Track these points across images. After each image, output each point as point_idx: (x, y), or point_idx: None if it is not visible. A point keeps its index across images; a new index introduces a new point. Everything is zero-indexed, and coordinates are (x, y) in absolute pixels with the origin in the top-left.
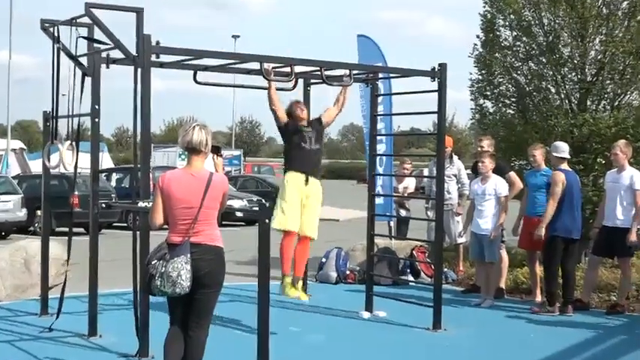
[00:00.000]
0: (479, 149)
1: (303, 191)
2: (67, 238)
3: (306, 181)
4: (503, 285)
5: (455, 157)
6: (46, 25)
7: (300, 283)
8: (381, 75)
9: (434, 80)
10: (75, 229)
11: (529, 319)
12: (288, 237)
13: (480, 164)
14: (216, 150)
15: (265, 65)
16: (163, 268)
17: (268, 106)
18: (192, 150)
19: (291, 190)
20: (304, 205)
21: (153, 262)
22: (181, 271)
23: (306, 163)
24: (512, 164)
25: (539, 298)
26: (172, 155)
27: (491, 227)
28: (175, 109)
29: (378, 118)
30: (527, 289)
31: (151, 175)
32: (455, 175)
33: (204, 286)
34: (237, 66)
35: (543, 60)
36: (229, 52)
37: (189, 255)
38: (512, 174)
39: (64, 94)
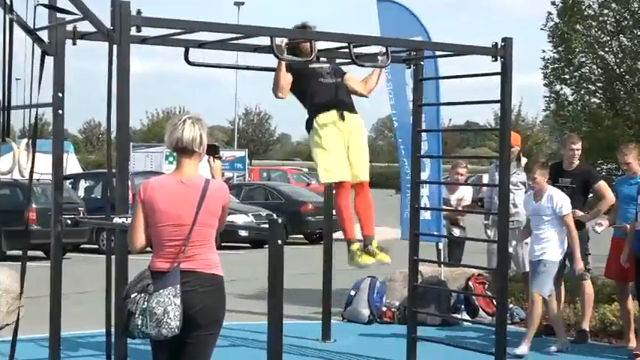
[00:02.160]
0: (570, 152)
1: (342, 129)
2: (20, 264)
3: (342, 116)
4: (587, 326)
5: (524, 160)
6: None
7: (375, 242)
8: (426, 53)
9: (495, 60)
10: (31, 253)
11: None
12: (343, 191)
13: (531, 181)
14: (213, 150)
15: (277, 41)
16: (145, 304)
17: (272, 93)
18: (182, 150)
19: (327, 134)
20: (349, 147)
21: (132, 296)
22: (168, 307)
23: (333, 100)
24: (599, 169)
25: (633, 343)
26: (157, 157)
27: (551, 257)
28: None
29: (423, 109)
30: (619, 331)
31: (130, 183)
32: (523, 184)
33: (199, 326)
34: (240, 42)
35: (639, 33)
36: (231, 24)
37: (178, 286)
38: (603, 184)
39: (18, 79)
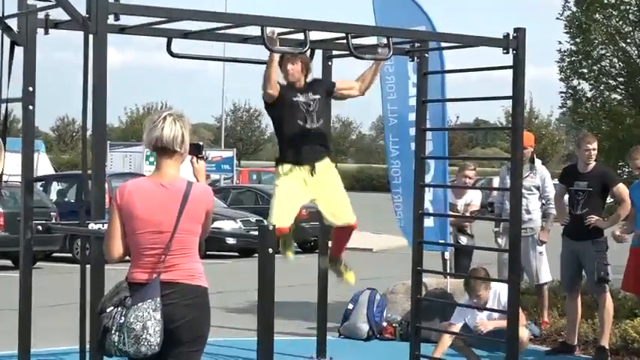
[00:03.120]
0: (586, 152)
1: (309, 184)
2: None
3: (312, 171)
4: (606, 343)
5: (537, 162)
6: None
7: (342, 262)
8: (431, 45)
9: (507, 52)
10: None
11: None
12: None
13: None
14: (196, 150)
15: (268, 31)
16: (123, 318)
17: (262, 88)
18: (162, 150)
19: (286, 186)
20: (324, 198)
21: (108, 310)
22: (148, 322)
23: (307, 151)
24: (620, 171)
25: None
26: (137, 157)
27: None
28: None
29: (427, 105)
30: None
31: (107, 186)
32: (537, 188)
33: (181, 342)
34: (228, 31)
35: None
36: (218, 13)
37: (158, 299)
38: (622, 187)
39: None
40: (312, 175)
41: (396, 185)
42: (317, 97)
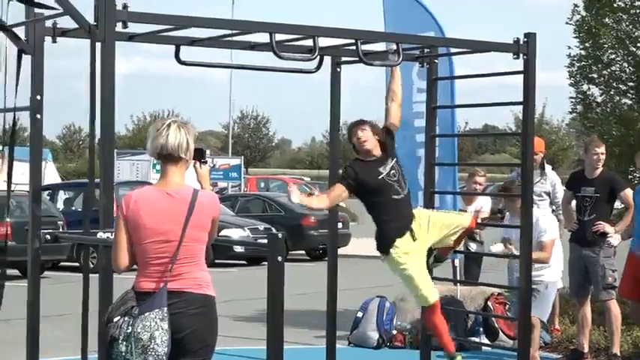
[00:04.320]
0: (594, 157)
1: (416, 244)
2: None
3: (413, 237)
4: (617, 350)
5: (548, 168)
6: None
7: (459, 356)
8: (441, 51)
9: (517, 57)
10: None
11: None
12: (437, 309)
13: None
14: (199, 155)
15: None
16: (130, 328)
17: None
18: (167, 157)
19: (411, 260)
20: (429, 239)
21: (115, 320)
22: (155, 332)
23: (405, 218)
24: (631, 177)
25: None
26: (144, 165)
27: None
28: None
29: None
30: None
31: (114, 194)
32: (548, 194)
33: (188, 352)
34: (236, 39)
35: None
36: (226, 20)
37: (165, 309)
38: (628, 192)
39: None
40: (414, 239)
41: None
42: (394, 160)
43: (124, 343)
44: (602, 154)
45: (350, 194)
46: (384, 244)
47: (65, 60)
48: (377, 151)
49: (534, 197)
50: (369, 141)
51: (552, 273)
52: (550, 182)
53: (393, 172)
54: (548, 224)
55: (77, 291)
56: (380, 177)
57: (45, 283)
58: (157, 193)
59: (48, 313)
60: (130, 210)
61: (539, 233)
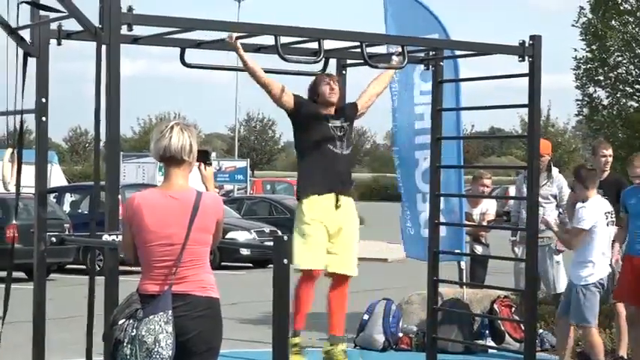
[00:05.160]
0: (603, 159)
1: (332, 220)
2: (2, 285)
3: (337, 203)
4: (624, 352)
5: (555, 170)
6: None
7: (343, 345)
8: (446, 53)
9: (523, 60)
10: (13, 274)
11: None
12: (309, 279)
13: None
14: (203, 157)
15: (226, 35)
16: (134, 331)
17: (270, 96)
18: (170, 160)
19: (312, 224)
20: (336, 236)
21: (120, 323)
22: (159, 335)
23: (335, 178)
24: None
25: None
26: (150, 168)
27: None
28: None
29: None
30: None
31: (120, 197)
32: (554, 197)
33: (193, 354)
34: (242, 41)
35: None
36: (231, 22)
37: (170, 312)
38: None
39: None
40: (336, 207)
41: (403, 194)
42: (347, 123)
43: (129, 346)
44: (609, 156)
45: (285, 102)
46: (302, 191)
47: (72, 63)
48: (333, 110)
49: (541, 200)
50: (337, 95)
51: (590, 275)
52: (557, 185)
53: (340, 128)
54: (585, 212)
55: (83, 293)
56: (325, 122)
57: (51, 285)
58: (160, 195)
59: (54, 316)
60: (132, 213)
61: (575, 220)
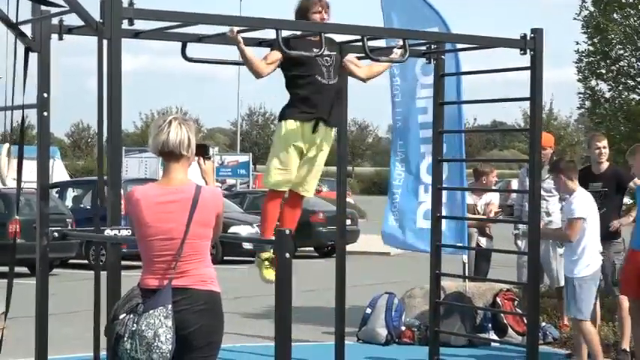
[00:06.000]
0: (596, 151)
1: (305, 143)
2: (4, 280)
3: (315, 128)
4: (627, 345)
5: None
6: None
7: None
8: (448, 47)
9: (524, 53)
10: (15, 269)
11: None
12: (278, 198)
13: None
14: (202, 151)
15: (227, 30)
16: (135, 325)
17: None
18: (169, 155)
19: (289, 151)
20: (305, 156)
21: (121, 317)
22: (159, 330)
23: (318, 106)
24: None
25: None
26: (152, 163)
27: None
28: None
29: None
30: None
31: (122, 191)
32: (558, 190)
33: (194, 348)
34: (243, 35)
35: None
36: (232, 16)
37: (170, 306)
38: (638, 180)
39: None
40: (314, 132)
41: (397, 187)
42: (334, 53)
43: (129, 340)
44: (603, 147)
45: (280, 63)
46: (284, 113)
47: (75, 57)
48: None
49: (544, 193)
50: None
51: (585, 267)
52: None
53: (328, 58)
54: (577, 202)
55: (86, 288)
56: (312, 51)
57: (54, 280)
58: (159, 190)
59: (57, 311)
60: (131, 207)
61: (568, 212)
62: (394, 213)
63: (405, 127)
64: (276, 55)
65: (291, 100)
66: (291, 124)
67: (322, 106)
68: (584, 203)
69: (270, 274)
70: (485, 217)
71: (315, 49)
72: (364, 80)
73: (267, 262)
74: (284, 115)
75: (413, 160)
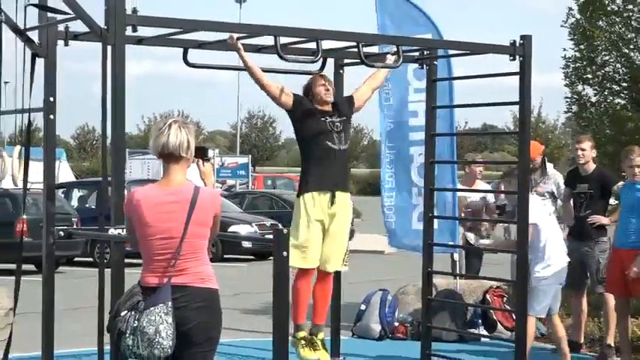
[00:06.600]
0: (576, 152)
1: (326, 216)
2: (12, 278)
3: (332, 200)
4: (611, 341)
5: (549, 166)
6: None
7: (322, 334)
8: (440, 53)
9: (513, 59)
10: (22, 266)
11: None
12: (306, 276)
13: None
14: (202, 153)
15: (228, 37)
16: (136, 322)
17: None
18: (169, 157)
19: (310, 226)
20: (327, 231)
21: (123, 314)
22: (160, 326)
23: (332, 174)
24: (623, 174)
25: None
26: (155, 164)
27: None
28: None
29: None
30: None
31: (126, 192)
32: (551, 194)
33: (193, 344)
34: (243, 41)
35: None
36: (232, 23)
37: (170, 303)
38: (621, 184)
39: (7, 82)
40: (330, 205)
41: (390, 189)
42: (344, 118)
43: (131, 337)
44: (582, 149)
45: (284, 102)
46: (301, 189)
47: (81, 63)
48: (329, 107)
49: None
50: (332, 95)
51: (544, 268)
52: (553, 181)
53: (337, 123)
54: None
55: (91, 285)
56: (322, 119)
57: (60, 277)
58: (158, 190)
59: (63, 307)
60: (132, 208)
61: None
62: (389, 215)
63: (396, 130)
64: (282, 90)
65: (304, 171)
66: (309, 199)
67: (336, 174)
68: (533, 209)
69: (309, 354)
70: (477, 217)
71: (322, 118)
72: (373, 92)
73: (303, 342)
74: (301, 190)
75: (402, 162)
